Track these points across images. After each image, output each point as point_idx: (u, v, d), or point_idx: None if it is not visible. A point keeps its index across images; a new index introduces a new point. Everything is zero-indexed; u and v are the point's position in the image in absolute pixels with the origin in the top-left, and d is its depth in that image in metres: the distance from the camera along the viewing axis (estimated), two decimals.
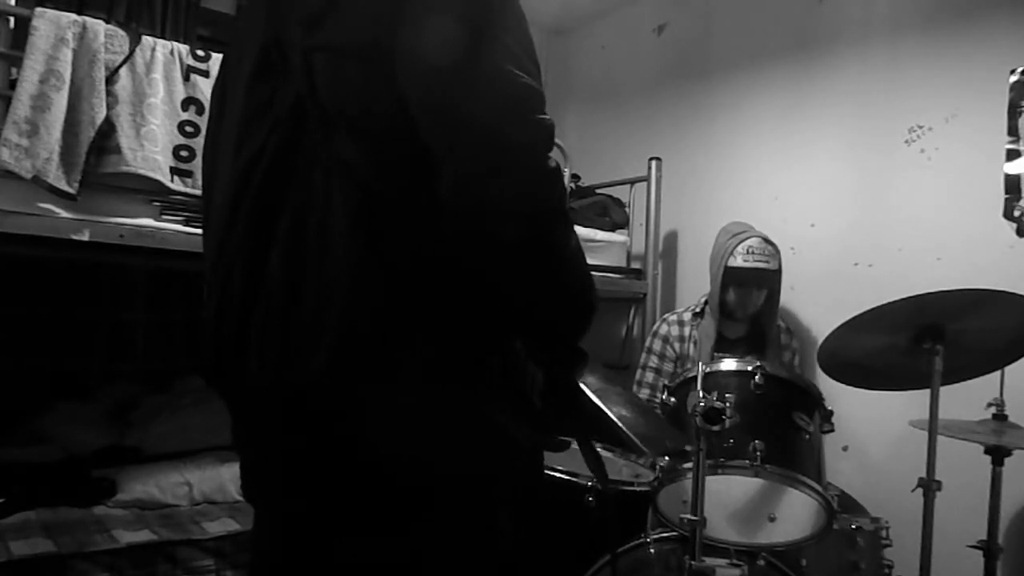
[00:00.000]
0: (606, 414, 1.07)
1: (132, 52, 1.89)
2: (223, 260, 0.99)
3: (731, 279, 2.48)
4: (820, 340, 1.79)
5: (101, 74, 1.83)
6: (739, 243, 2.47)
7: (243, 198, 0.96)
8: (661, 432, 1.12)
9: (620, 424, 1.07)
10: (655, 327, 2.73)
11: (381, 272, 0.89)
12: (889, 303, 1.64)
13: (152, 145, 1.91)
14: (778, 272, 2.53)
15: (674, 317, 2.69)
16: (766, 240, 2.49)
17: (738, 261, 2.45)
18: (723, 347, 2.57)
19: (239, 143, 1.00)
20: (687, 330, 2.63)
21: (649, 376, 2.63)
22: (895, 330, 1.71)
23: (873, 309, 1.66)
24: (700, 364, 1.60)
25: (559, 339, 0.97)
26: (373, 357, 0.89)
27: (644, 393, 2.60)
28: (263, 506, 1.10)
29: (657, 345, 2.66)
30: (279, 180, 0.94)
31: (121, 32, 1.90)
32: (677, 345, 2.62)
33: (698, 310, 2.65)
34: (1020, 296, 1.60)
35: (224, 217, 1.00)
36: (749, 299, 2.51)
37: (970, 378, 1.84)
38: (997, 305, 1.62)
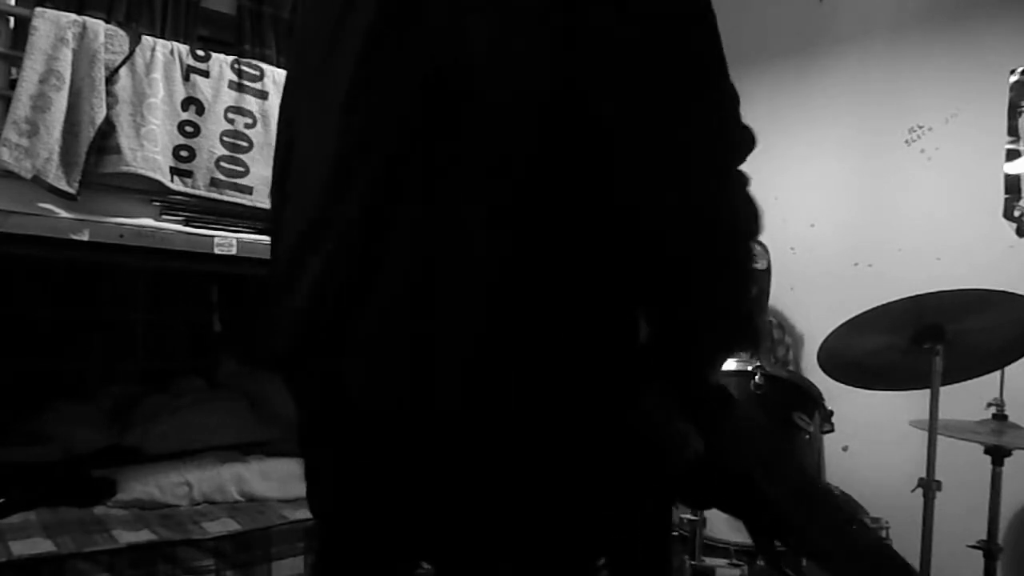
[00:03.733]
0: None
1: (132, 52, 1.89)
2: (315, 239, 0.84)
3: None
4: (820, 340, 1.79)
5: (101, 74, 1.83)
6: None
7: (357, 172, 0.80)
8: None
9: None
10: None
11: (528, 282, 0.74)
12: (889, 303, 1.64)
13: (152, 145, 1.91)
14: (766, 271, 2.55)
15: None
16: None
17: None
18: None
19: (349, 107, 0.82)
20: None
21: None
22: (895, 330, 1.70)
23: (873, 309, 1.66)
24: None
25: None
26: (518, 390, 0.74)
27: None
28: (343, 526, 0.96)
29: None
30: (401, 161, 0.78)
31: (121, 32, 1.90)
32: None
33: None
34: (1020, 296, 1.60)
35: (324, 189, 0.84)
36: None
37: (970, 378, 1.84)
38: (997, 305, 1.62)
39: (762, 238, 2.62)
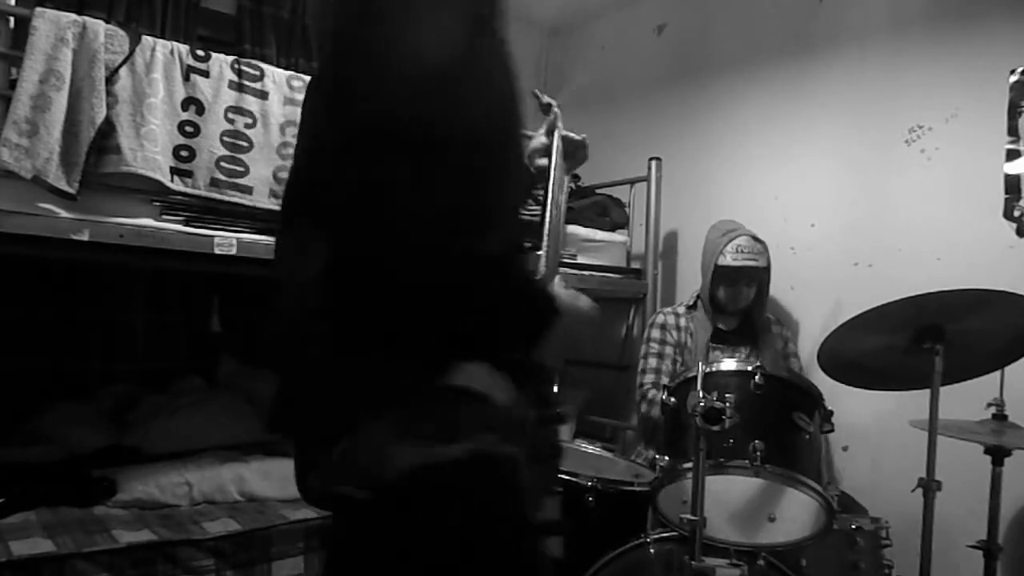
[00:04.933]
0: None
1: (132, 52, 1.89)
2: None
3: (721, 277, 2.56)
4: (820, 340, 1.79)
5: (101, 74, 1.83)
6: (728, 242, 2.54)
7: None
8: None
9: None
10: (651, 319, 2.77)
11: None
12: (889, 303, 1.64)
13: (152, 145, 1.91)
14: (767, 269, 2.59)
15: (669, 309, 2.75)
16: (755, 238, 2.56)
17: (727, 260, 2.51)
18: (717, 338, 2.63)
19: None
20: (683, 321, 2.68)
21: (652, 362, 2.65)
22: (895, 330, 1.70)
23: (873, 309, 1.66)
24: (700, 364, 1.60)
25: None
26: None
27: (649, 379, 2.61)
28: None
29: (656, 333, 2.69)
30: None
31: (121, 32, 1.89)
32: (675, 333, 2.66)
33: (691, 303, 2.70)
34: (1020, 296, 1.60)
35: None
36: (739, 296, 2.57)
37: (970, 378, 1.84)
38: (997, 305, 1.62)
39: (763, 237, 2.65)
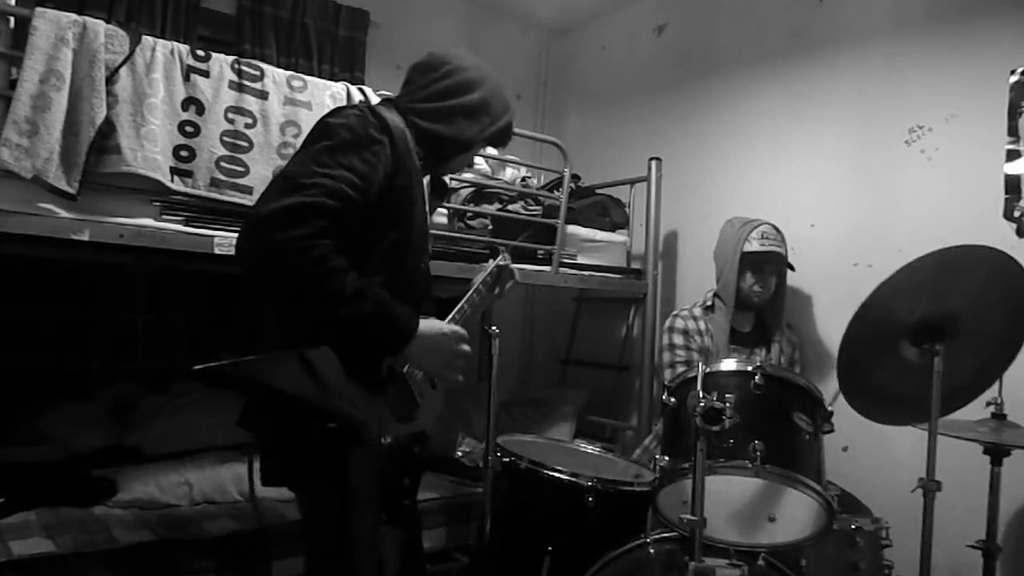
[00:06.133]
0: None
1: (132, 52, 1.89)
2: None
3: (747, 264, 2.54)
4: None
5: (101, 74, 1.83)
6: (752, 229, 2.55)
7: None
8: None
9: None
10: (669, 323, 2.66)
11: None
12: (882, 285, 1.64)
13: (152, 145, 1.91)
14: (786, 259, 2.60)
15: (686, 312, 2.67)
16: (775, 227, 2.59)
17: (754, 245, 2.52)
18: (735, 339, 2.59)
19: None
20: (702, 324, 2.61)
21: (681, 369, 2.54)
22: (896, 333, 1.70)
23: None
24: (700, 364, 1.60)
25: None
26: None
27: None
28: None
29: (679, 339, 2.61)
30: None
31: (121, 32, 1.89)
32: (698, 338, 2.60)
33: (708, 304, 2.65)
34: (1019, 296, 1.60)
35: None
36: (765, 283, 2.56)
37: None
38: (996, 306, 1.62)
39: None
